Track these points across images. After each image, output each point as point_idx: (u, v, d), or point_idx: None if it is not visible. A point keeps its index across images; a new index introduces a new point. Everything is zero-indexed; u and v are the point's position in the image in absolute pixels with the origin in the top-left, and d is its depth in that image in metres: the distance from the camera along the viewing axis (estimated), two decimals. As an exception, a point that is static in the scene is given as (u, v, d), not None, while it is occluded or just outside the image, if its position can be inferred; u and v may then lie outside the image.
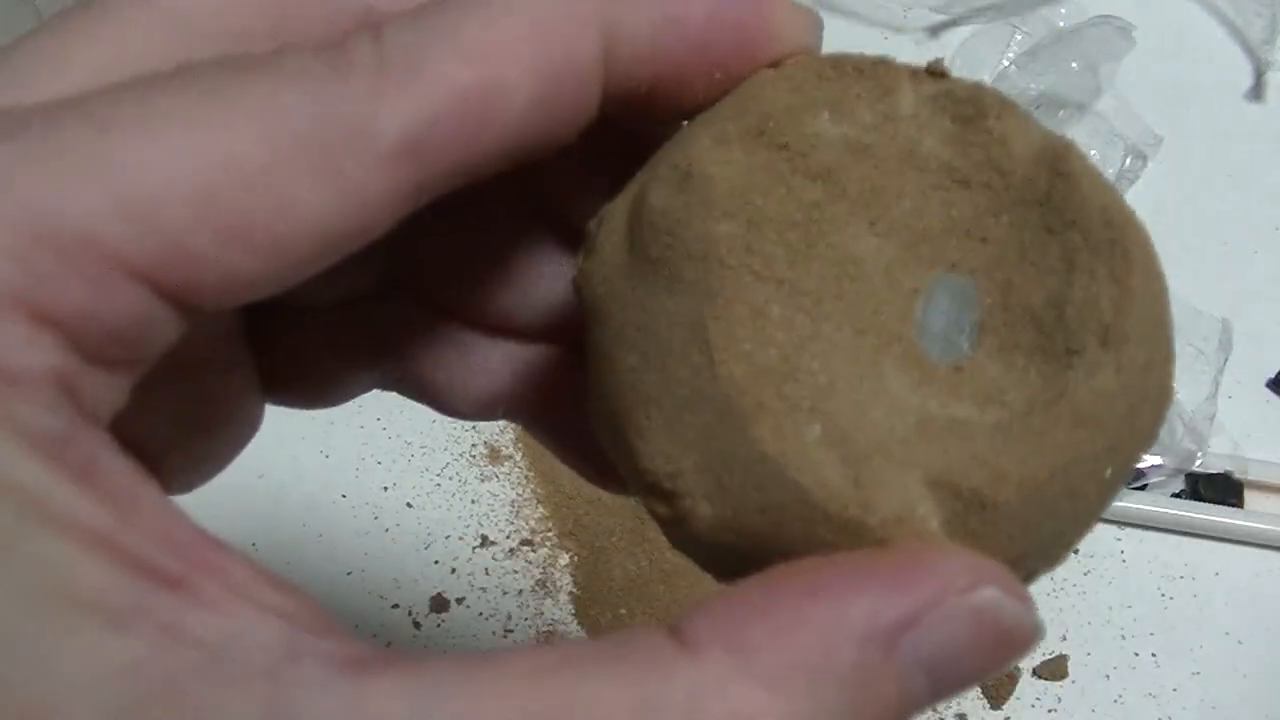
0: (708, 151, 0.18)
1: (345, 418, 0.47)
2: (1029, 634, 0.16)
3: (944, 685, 0.16)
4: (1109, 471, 0.18)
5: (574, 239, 0.21)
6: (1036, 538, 0.18)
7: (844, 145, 0.18)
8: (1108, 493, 0.18)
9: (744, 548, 0.17)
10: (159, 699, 0.13)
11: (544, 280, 0.23)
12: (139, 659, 0.14)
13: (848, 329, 0.18)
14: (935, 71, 0.19)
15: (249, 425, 0.23)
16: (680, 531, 0.18)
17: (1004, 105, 0.18)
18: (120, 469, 0.15)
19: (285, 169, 0.15)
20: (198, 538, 0.15)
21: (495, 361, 0.24)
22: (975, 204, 0.18)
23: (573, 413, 0.23)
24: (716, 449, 0.17)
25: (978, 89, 0.18)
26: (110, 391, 0.15)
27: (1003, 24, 0.54)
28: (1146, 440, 0.18)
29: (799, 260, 0.18)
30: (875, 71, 0.18)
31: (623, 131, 0.20)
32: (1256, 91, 0.55)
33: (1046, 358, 0.17)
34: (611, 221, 0.18)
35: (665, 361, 0.17)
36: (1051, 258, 0.18)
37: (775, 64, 0.19)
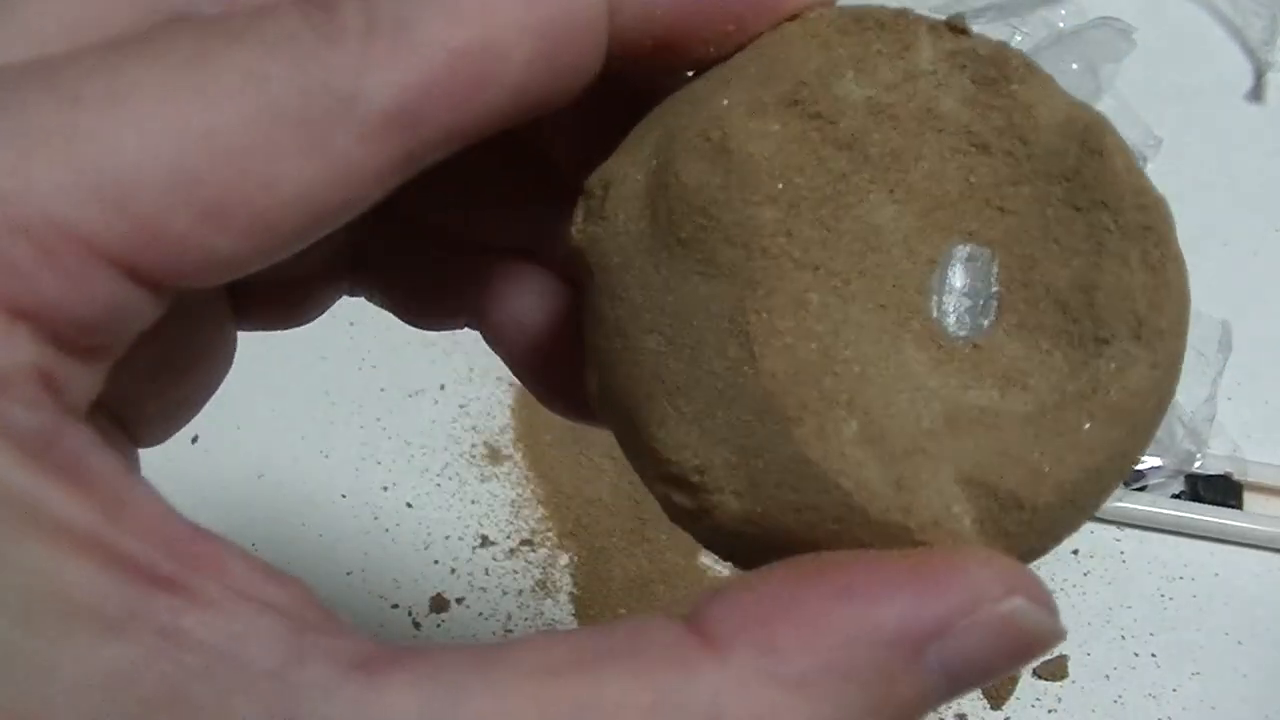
0: (744, 123, 0.16)
1: (345, 418, 0.47)
2: (1051, 639, 0.16)
3: (961, 686, 0.16)
4: (1126, 468, 0.17)
5: (550, 158, 0.20)
6: (1060, 535, 0.17)
7: (867, 108, 0.17)
8: (1119, 485, 0.18)
9: (768, 541, 0.17)
10: (160, 706, 0.13)
11: (523, 202, 0.22)
12: (137, 665, 0.13)
13: (871, 305, 0.17)
14: (956, 27, 0.18)
15: (223, 362, 0.22)
16: (701, 522, 0.17)
17: (1029, 68, 0.18)
18: (107, 465, 0.14)
19: (269, 144, 0.14)
20: (191, 533, 0.15)
21: (464, 272, 0.23)
22: (995, 171, 0.17)
23: (537, 331, 0.22)
24: (752, 446, 0.16)
25: (1001, 48, 0.18)
26: (88, 381, 0.15)
27: (1003, 24, 0.54)
28: (1153, 436, 0.18)
29: (830, 239, 0.17)
30: (895, 24, 0.17)
31: (619, 77, 0.19)
32: (1256, 92, 0.55)
33: (1072, 342, 0.17)
34: (624, 188, 0.17)
35: (697, 351, 0.16)
36: (1077, 237, 0.17)
37: (794, 16, 0.17)
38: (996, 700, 0.41)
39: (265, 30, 0.15)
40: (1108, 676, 0.41)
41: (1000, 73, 0.18)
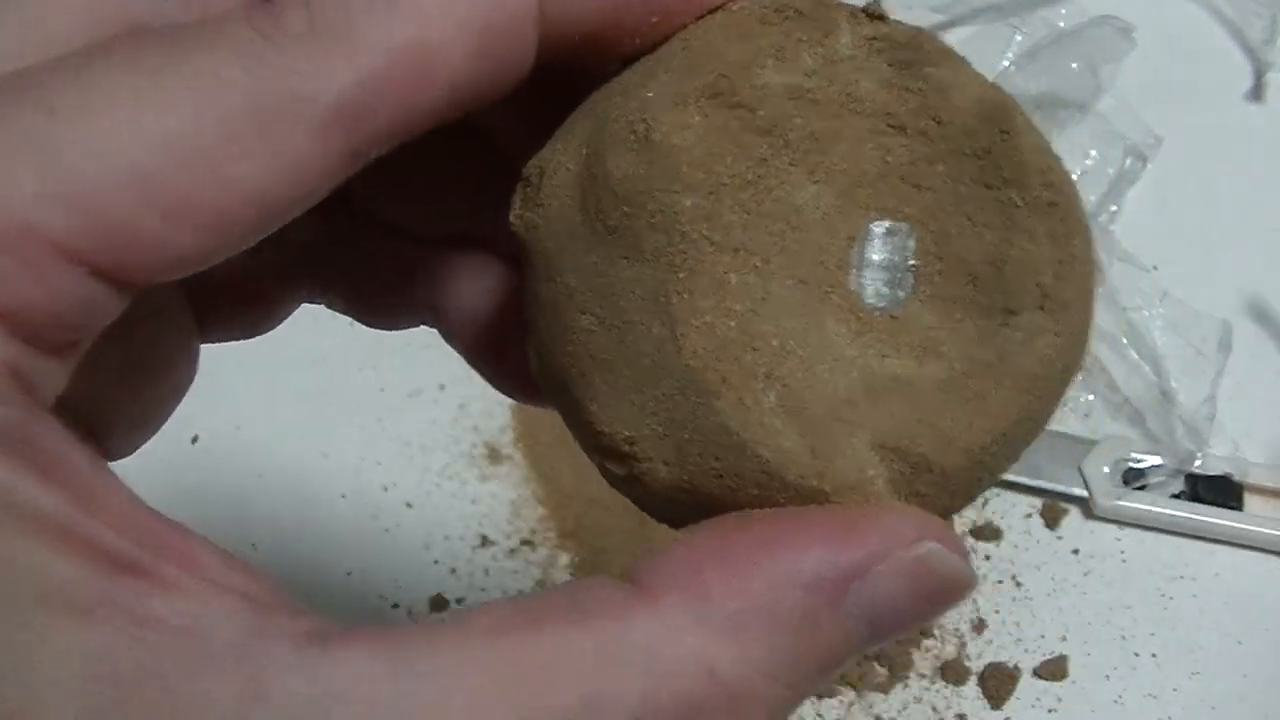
0: (667, 115, 0.17)
1: (345, 417, 0.47)
2: (965, 585, 0.17)
3: (882, 631, 0.17)
4: (1032, 435, 0.18)
5: (494, 147, 0.20)
6: (972, 493, 0.18)
7: (786, 94, 0.18)
8: (1026, 448, 0.19)
9: (698, 505, 0.18)
10: (134, 687, 0.14)
11: (470, 191, 0.23)
12: (111, 649, 0.14)
13: (792, 282, 0.18)
14: (873, 13, 0.19)
15: (186, 372, 0.23)
16: (634, 488, 0.18)
17: (943, 53, 0.18)
18: (77, 457, 0.15)
19: (225, 146, 0.15)
20: (157, 522, 0.15)
21: (416, 266, 0.23)
22: (911, 150, 0.18)
23: (488, 317, 0.23)
24: (678, 419, 0.17)
25: (917, 34, 0.19)
26: (55, 376, 0.16)
27: (1003, 24, 0.54)
28: (1058, 404, 0.19)
29: (751, 221, 0.18)
30: (815, 13, 0.18)
31: (555, 67, 0.20)
32: (1256, 91, 0.55)
33: (983, 313, 0.18)
34: (557, 177, 0.18)
35: (625, 331, 0.17)
36: (988, 213, 0.18)
37: (717, 8, 0.18)
38: (996, 700, 0.41)
39: (217, 40, 0.16)
40: (1108, 676, 0.41)
41: (916, 56, 0.18)
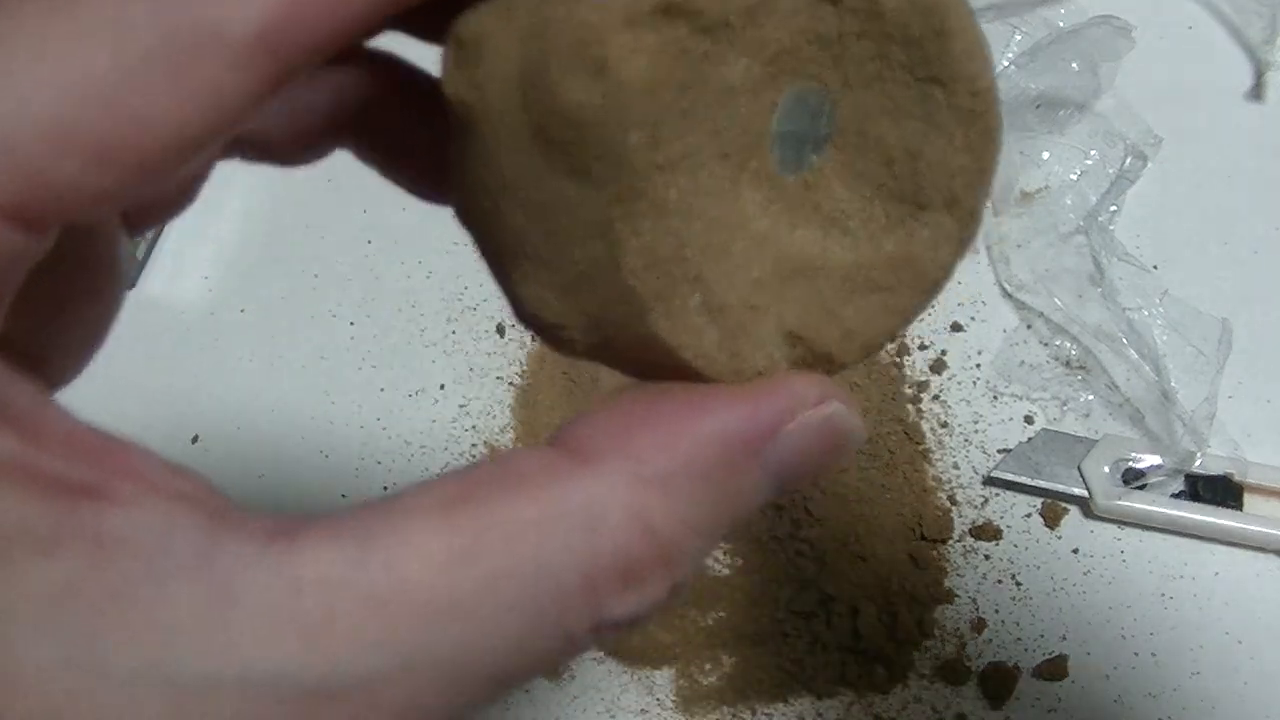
0: (617, 39, 0.17)
1: (345, 417, 0.47)
2: (858, 437, 0.19)
3: (788, 483, 0.18)
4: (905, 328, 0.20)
5: None
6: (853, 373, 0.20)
7: None
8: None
9: (623, 370, 0.19)
10: (104, 609, 0.14)
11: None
12: (76, 577, 0.14)
13: (717, 158, 0.18)
14: None
15: (116, 286, 0.22)
16: (559, 348, 0.19)
17: None
18: (16, 389, 0.15)
19: (140, 84, 0.15)
20: (101, 440, 0.15)
21: (311, 85, 0.22)
22: (841, 23, 0.18)
23: (396, 132, 0.22)
24: (608, 319, 0.18)
25: None
26: None
27: (1002, 24, 0.54)
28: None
29: (689, 124, 0.18)
30: None
31: None
32: (1256, 91, 0.55)
33: (894, 198, 0.19)
34: (495, 57, 0.18)
35: (562, 239, 0.18)
36: (911, 103, 0.18)
37: None
38: (996, 700, 0.41)
39: None
40: (1108, 676, 0.41)
41: None
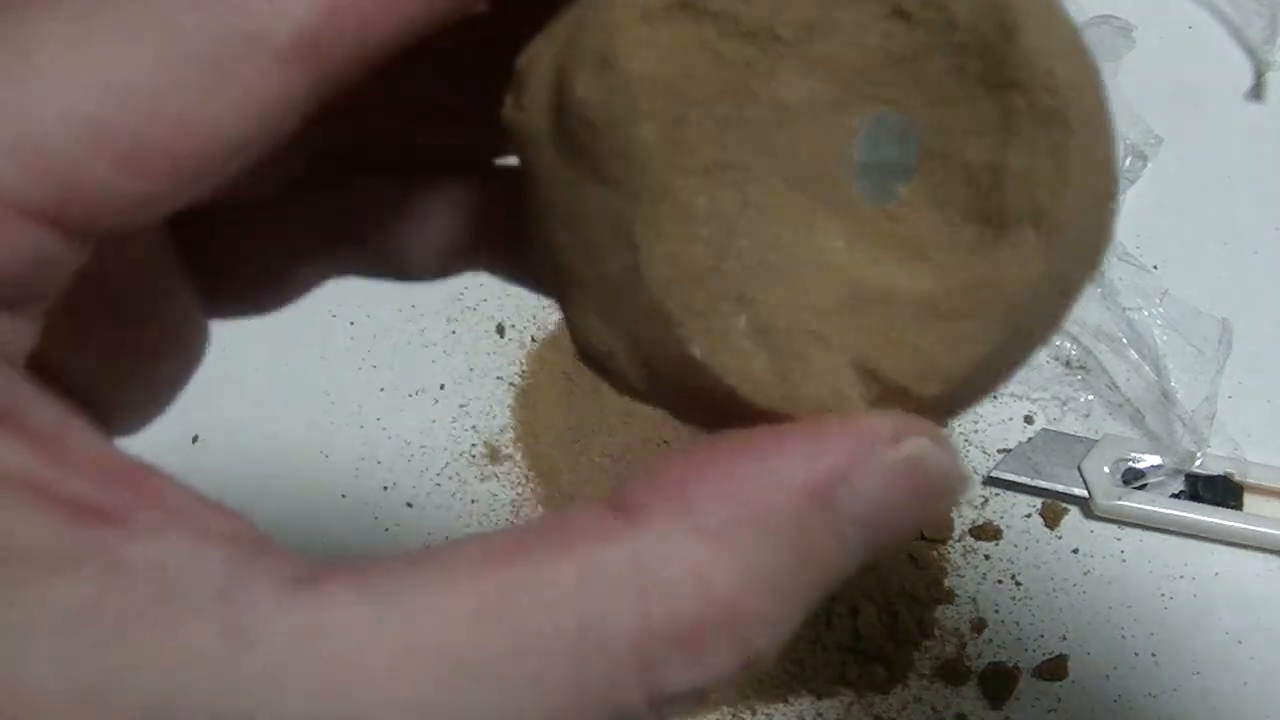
0: (628, 34, 0.17)
1: (345, 417, 0.47)
2: (955, 480, 0.17)
3: (879, 535, 0.16)
4: (1023, 356, 0.18)
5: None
6: (953, 414, 0.18)
7: None
8: (1009, 376, 0.18)
9: (681, 413, 0.18)
10: (117, 637, 0.13)
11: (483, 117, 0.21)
12: (90, 601, 0.13)
13: (779, 185, 0.17)
14: None
15: (193, 350, 0.22)
16: (621, 391, 0.18)
17: None
18: (42, 408, 0.15)
19: (180, 88, 0.15)
20: (129, 466, 0.15)
21: (449, 209, 0.22)
22: (915, 40, 0.17)
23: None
24: (646, 340, 0.17)
25: None
26: (18, 333, 0.15)
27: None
28: (1058, 327, 0.18)
29: (730, 130, 0.17)
30: None
31: None
32: (1256, 91, 0.55)
33: (977, 221, 0.17)
34: (536, 75, 0.18)
35: (594, 252, 0.17)
36: (990, 114, 0.17)
37: None
38: (996, 700, 0.41)
39: None
40: (1108, 676, 0.41)
41: None
